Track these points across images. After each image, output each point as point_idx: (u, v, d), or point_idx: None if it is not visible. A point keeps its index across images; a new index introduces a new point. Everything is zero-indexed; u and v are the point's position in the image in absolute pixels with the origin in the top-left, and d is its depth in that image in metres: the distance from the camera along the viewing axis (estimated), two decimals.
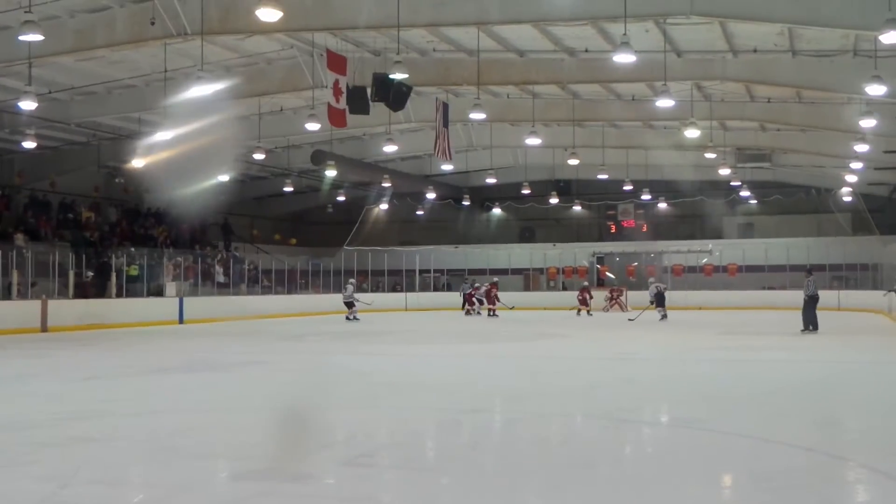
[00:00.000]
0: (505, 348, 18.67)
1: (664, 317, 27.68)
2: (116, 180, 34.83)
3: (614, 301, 36.61)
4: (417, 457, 7.20)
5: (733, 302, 36.27)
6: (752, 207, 43.24)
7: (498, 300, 33.82)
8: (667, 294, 29.40)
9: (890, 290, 27.77)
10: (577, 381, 12.22)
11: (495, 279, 35.89)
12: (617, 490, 5.92)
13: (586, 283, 38.07)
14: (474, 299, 34.72)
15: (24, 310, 22.70)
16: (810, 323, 21.84)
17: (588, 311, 33.81)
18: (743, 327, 24.32)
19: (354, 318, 29.43)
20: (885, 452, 7.08)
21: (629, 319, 27.44)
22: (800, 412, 9.32)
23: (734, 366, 14.33)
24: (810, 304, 22.19)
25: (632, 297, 36.84)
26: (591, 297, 34.58)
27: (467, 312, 34.67)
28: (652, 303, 28.41)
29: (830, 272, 38.20)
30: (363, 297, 31.36)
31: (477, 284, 35.63)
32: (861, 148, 26.42)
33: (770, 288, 38.54)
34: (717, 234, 43.63)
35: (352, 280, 32.14)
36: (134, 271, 28.21)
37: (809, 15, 16.70)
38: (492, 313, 33.36)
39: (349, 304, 29.79)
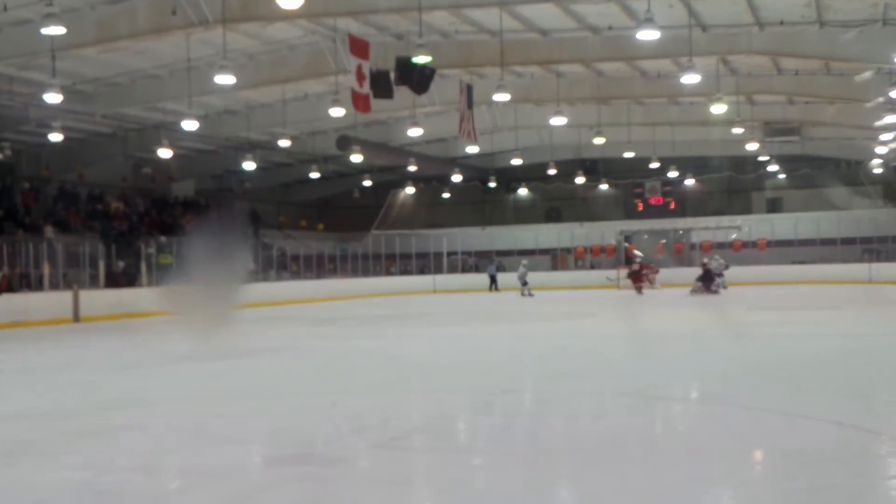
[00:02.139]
0: (534, 328, 18.64)
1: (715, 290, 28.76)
2: (143, 170, 35.09)
3: (644, 277, 36.13)
4: (450, 439, 7.23)
5: (763, 277, 36.08)
6: (780, 182, 42.98)
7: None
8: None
9: None
10: (606, 360, 12.21)
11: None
12: (649, 467, 5.92)
13: (640, 255, 36.16)
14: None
15: (56, 301, 22.93)
16: None
17: (638, 290, 33.17)
18: (772, 302, 24.16)
19: (529, 293, 31.32)
20: None
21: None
22: (830, 386, 9.27)
23: (763, 341, 14.22)
24: None
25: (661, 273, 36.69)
26: (655, 273, 34.14)
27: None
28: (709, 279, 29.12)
29: (861, 245, 37.91)
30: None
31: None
32: (891, 119, 26.11)
33: (800, 262, 38.25)
34: (746, 210, 43.40)
35: (525, 262, 33.66)
36: (166, 259, 28.40)
37: None
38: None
39: (523, 282, 31.83)
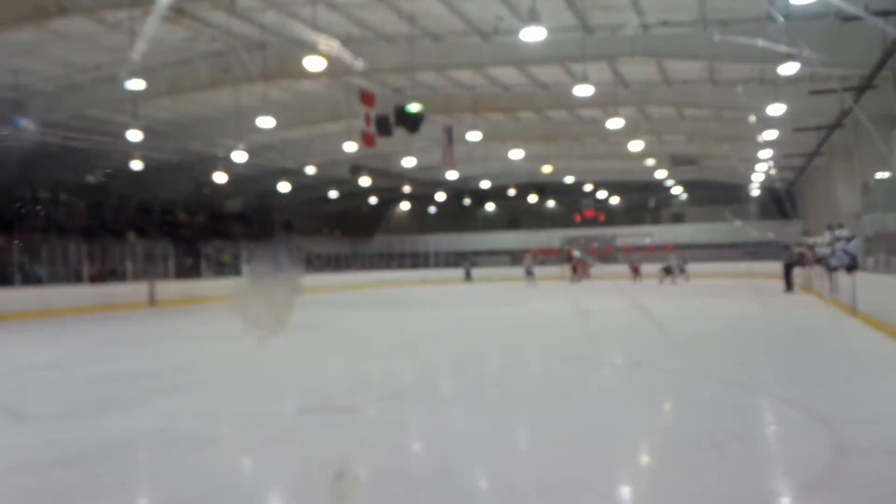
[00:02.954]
0: (498, 310, 18.68)
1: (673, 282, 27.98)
2: (203, 190, 34.80)
3: (581, 273, 36.20)
4: (435, 392, 7.21)
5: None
6: (683, 200, 43.11)
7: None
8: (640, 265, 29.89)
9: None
10: (554, 334, 12.20)
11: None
12: (585, 415, 5.93)
13: (578, 254, 36.64)
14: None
15: (136, 290, 22.75)
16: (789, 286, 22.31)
17: (578, 280, 33.59)
18: (675, 292, 24.13)
19: (533, 284, 29.74)
20: (785, 384, 7.07)
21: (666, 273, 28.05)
22: (722, 354, 9.29)
23: (672, 319, 14.29)
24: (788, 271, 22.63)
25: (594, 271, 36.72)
26: (588, 267, 34.28)
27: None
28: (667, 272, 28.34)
29: (743, 248, 38.02)
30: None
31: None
32: (765, 154, 26.29)
33: (696, 261, 38.33)
34: (658, 221, 43.53)
35: (529, 254, 31.86)
36: (226, 258, 28.21)
37: (727, 51, 16.56)
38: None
39: (529, 274, 30.23)
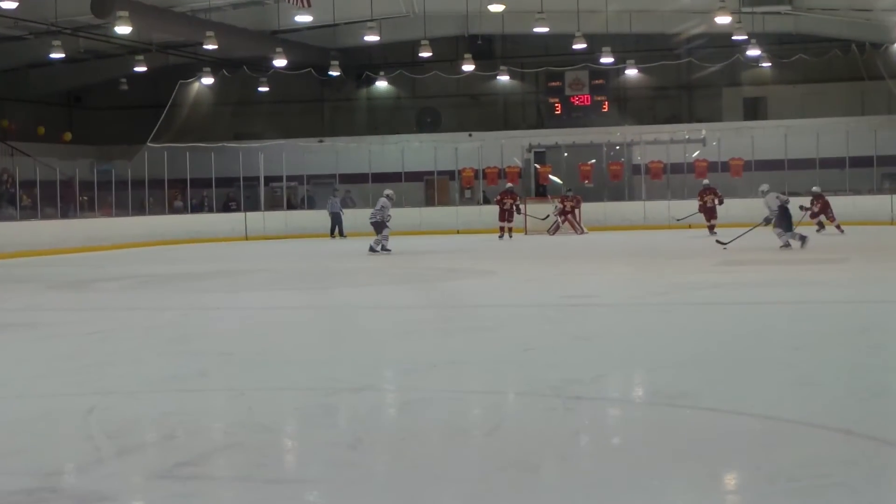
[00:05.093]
0: (396, 294, 18.67)
1: (803, 241, 25.94)
2: None
3: (565, 217, 36.72)
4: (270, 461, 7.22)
5: (737, 216, 36.76)
6: (764, 74, 43.73)
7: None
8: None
9: None
10: (509, 341, 12.26)
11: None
12: None
13: (510, 186, 38.34)
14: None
15: None
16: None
17: (509, 233, 34.61)
18: (749, 254, 24.74)
19: (384, 248, 29.16)
20: None
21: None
22: (829, 379, 9.54)
23: (732, 312, 14.64)
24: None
25: (588, 209, 37.24)
26: (518, 209, 35.04)
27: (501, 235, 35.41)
28: (769, 221, 27.05)
29: (879, 168, 39.01)
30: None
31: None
32: None
33: (793, 194, 39.33)
34: (714, 116, 44.15)
35: (388, 192, 30.90)
36: None
37: None
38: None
39: (377, 226, 29.39)
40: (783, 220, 26.07)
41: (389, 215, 29.43)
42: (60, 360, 11.71)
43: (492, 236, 34.62)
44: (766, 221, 26.77)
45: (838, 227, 32.21)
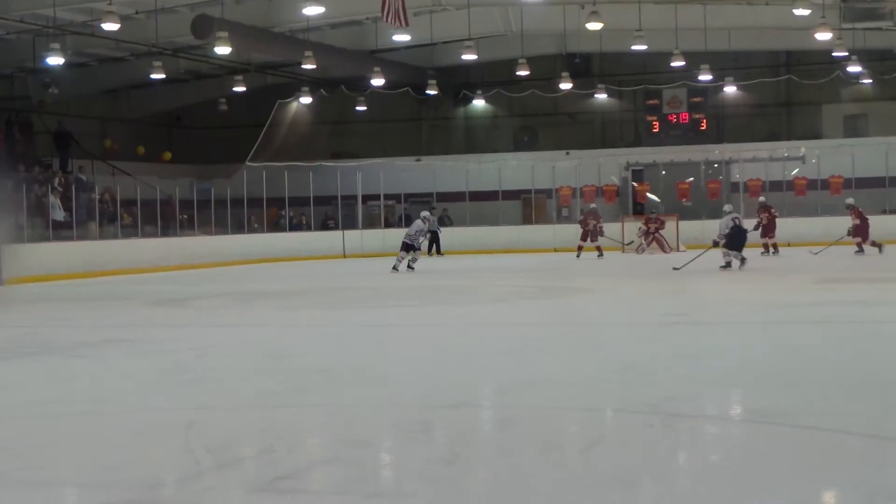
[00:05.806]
0: (493, 312, 18.67)
1: (742, 262, 26.80)
2: None
3: (651, 237, 36.62)
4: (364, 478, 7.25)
5: (838, 233, 36.38)
6: (865, 90, 43.29)
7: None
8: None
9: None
10: (606, 359, 12.28)
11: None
12: None
13: (593, 206, 38.38)
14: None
15: None
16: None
17: (598, 252, 34.86)
18: (853, 272, 24.46)
19: (410, 267, 29.33)
20: None
21: (674, 269, 27.09)
22: None
23: (837, 331, 14.45)
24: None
25: (685, 228, 37.02)
26: (600, 229, 34.99)
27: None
28: (717, 243, 27.42)
29: None
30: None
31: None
32: None
33: (893, 212, 38.76)
34: (814, 133, 43.73)
35: (424, 213, 31.12)
36: None
37: None
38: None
39: (407, 247, 29.34)
40: (735, 241, 26.82)
41: (421, 239, 29.76)
42: (161, 376, 11.86)
43: (590, 255, 34.48)
44: (715, 244, 27.24)
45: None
